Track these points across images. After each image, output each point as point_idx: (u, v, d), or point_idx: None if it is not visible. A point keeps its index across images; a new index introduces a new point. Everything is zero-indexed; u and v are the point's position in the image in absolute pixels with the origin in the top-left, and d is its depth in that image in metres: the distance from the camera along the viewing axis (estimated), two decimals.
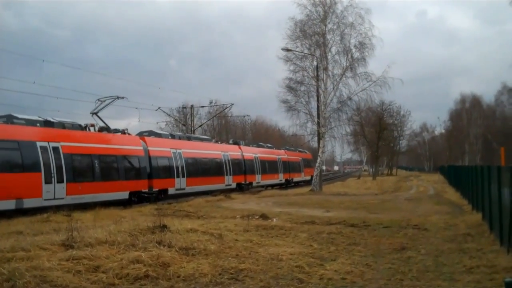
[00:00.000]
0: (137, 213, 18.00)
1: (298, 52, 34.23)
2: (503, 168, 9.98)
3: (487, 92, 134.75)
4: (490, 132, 68.93)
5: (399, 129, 77.17)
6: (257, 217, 15.54)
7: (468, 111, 76.66)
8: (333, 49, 34.09)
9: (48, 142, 20.05)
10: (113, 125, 26.97)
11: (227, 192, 30.71)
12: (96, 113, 25.84)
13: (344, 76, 33.86)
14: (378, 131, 65.52)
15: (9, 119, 19.84)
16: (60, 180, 20.05)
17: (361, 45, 33.41)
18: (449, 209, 18.68)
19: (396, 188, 39.24)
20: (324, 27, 33.62)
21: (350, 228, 13.13)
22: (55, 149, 20.20)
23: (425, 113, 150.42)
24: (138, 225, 11.34)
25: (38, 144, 19.53)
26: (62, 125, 21.95)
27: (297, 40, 34.12)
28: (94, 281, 7.26)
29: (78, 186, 21.07)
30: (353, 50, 33.72)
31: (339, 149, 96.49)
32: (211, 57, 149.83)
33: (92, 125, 24.18)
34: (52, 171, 19.79)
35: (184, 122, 56.46)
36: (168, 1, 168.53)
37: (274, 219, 15.09)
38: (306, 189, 36.01)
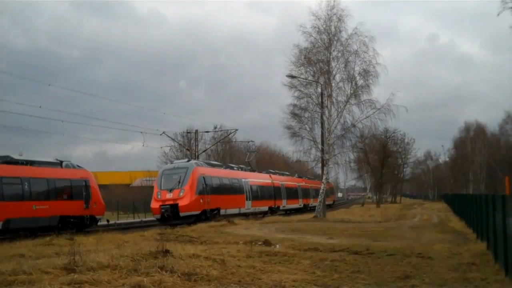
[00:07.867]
0: (139, 238, 17.92)
1: (303, 79, 34.46)
2: (507, 197, 9.95)
3: (496, 120, 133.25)
4: (494, 160, 68.62)
5: (403, 156, 77.01)
6: (260, 243, 15.42)
7: (472, 140, 76.43)
8: (338, 77, 34.28)
9: (245, 179, 37.57)
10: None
11: (300, 210, 50.44)
12: (249, 162, 48.15)
13: (348, 103, 33.98)
14: (382, 159, 65.43)
15: (227, 166, 38.82)
16: (249, 199, 37.14)
17: (365, 73, 33.60)
18: (453, 238, 18.50)
19: (400, 216, 38.91)
20: (328, 54, 33.88)
21: (353, 256, 12.99)
22: (246, 182, 37.41)
23: (430, 140, 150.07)
24: (140, 249, 11.32)
25: (243, 180, 37.11)
26: (243, 169, 40.56)
27: (302, 67, 34.37)
28: None
29: (255, 203, 37.97)
30: (357, 77, 33.89)
31: (343, 176, 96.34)
32: (216, 82, 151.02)
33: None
34: (247, 194, 36.91)
35: (189, 147, 56.56)
36: (175, 24, 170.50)
37: (277, 245, 14.98)
38: (309, 215, 35.80)
